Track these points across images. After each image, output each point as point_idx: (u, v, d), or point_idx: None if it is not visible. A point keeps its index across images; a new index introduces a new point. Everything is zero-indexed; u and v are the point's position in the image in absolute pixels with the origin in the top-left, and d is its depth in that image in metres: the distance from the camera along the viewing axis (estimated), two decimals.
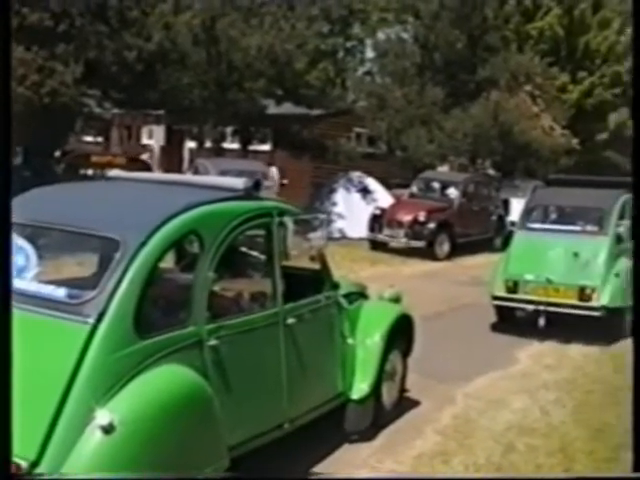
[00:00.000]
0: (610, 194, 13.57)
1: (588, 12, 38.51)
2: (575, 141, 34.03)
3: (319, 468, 6.74)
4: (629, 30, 39.59)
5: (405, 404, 8.53)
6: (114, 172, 7.92)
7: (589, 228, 13.27)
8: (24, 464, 4.54)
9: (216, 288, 6.30)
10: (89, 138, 34.01)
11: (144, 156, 27.26)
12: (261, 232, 6.82)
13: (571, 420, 8.49)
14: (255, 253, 7.15)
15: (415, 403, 8.76)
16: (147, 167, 24.72)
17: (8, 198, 4.14)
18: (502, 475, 6.59)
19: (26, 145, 21.44)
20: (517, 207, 19.89)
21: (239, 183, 6.59)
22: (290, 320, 6.53)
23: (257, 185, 6.64)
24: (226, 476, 3.99)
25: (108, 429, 4.69)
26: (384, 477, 7.51)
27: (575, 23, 38.46)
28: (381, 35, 39.02)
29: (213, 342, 5.70)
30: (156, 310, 5.62)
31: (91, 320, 4.99)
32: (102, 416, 4.70)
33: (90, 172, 23.70)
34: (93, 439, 4.70)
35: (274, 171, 26.53)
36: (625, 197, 13.52)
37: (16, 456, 4.59)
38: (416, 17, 33.45)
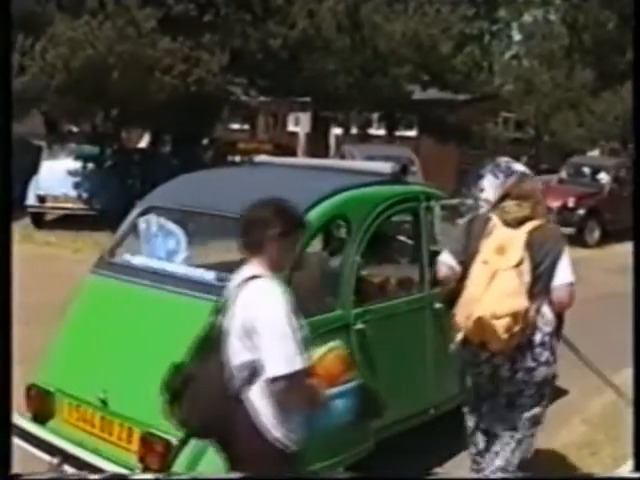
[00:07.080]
0: None
1: None
2: None
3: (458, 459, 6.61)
4: None
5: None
6: (261, 157, 7.97)
7: None
8: (174, 440, 4.63)
9: (363, 273, 6.27)
10: (236, 126, 34.46)
11: None
12: (408, 217, 6.76)
13: None
14: (402, 238, 7.10)
15: (563, 392, 8.60)
16: (293, 153, 24.96)
17: (9, 198, 4.21)
18: (502, 475, 6.34)
19: (174, 133, 21.87)
20: None
21: (386, 168, 6.55)
22: (437, 305, 6.34)
23: (404, 170, 6.59)
24: (257, 476, 3.99)
25: None
26: (382, 477, 7.39)
27: None
28: (527, 17, 38.31)
29: (360, 326, 5.70)
30: (303, 293, 5.63)
31: None
32: None
33: (237, 159, 24.12)
34: None
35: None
36: None
37: (166, 433, 4.68)
38: None
